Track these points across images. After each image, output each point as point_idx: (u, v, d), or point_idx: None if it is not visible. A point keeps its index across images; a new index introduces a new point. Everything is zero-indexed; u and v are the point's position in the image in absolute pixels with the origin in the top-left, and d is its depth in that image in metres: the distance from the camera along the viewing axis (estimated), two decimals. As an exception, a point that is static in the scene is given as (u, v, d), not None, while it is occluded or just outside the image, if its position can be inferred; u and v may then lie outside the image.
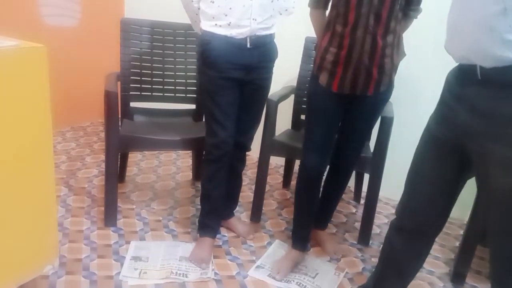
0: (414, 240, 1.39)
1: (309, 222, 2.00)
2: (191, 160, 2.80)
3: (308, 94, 1.88)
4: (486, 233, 1.30)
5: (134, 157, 2.94)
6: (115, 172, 2.14)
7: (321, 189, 1.99)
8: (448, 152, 1.21)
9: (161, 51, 2.37)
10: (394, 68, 1.69)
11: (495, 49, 1.01)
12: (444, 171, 1.25)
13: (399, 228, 1.43)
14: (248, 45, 1.77)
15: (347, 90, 1.68)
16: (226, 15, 1.72)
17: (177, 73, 2.42)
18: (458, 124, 1.15)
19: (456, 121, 1.16)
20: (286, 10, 1.91)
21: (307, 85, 2.03)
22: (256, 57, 1.81)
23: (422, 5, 1.70)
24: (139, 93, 2.37)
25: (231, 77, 1.80)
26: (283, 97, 2.29)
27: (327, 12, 1.74)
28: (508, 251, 1.15)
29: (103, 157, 2.69)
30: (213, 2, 1.72)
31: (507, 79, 1.02)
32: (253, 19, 1.74)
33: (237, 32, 1.75)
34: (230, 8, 1.71)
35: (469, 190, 1.44)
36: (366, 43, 1.59)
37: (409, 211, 1.38)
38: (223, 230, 2.20)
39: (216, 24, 1.74)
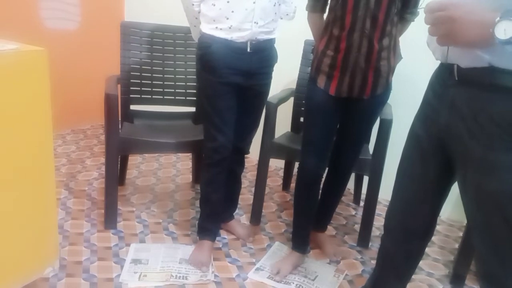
0: (402, 240, 1.38)
1: (308, 224, 2.00)
2: (191, 163, 2.80)
3: (306, 96, 1.88)
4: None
5: (134, 160, 2.95)
6: (115, 175, 2.14)
7: (320, 191, 2.00)
8: (432, 151, 1.21)
9: (161, 54, 2.38)
10: (390, 71, 1.69)
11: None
12: (427, 170, 1.24)
13: (387, 228, 1.43)
14: (248, 49, 1.77)
15: (344, 93, 1.69)
16: (227, 18, 1.71)
17: (177, 76, 2.43)
18: (440, 123, 1.15)
19: (438, 120, 1.16)
20: (287, 14, 1.91)
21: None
22: (255, 62, 1.81)
23: (420, 8, 1.71)
24: (139, 96, 2.38)
25: (230, 82, 1.79)
26: (283, 100, 2.30)
27: (325, 15, 1.74)
28: (479, 245, 1.14)
29: (103, 159, 2.70)
30: (214, 5, 1.72)
31: (485, 81, 1.01)
32: (255, 22, 1.73)
33: (238, 35, 1.74)
34: (232, 11, 1.70)
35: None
36: (363, 46, 1.59)
37: (394, 210, 1.38)
38: (222, 233, 2.20)
39: (216, 27, 1.74)
